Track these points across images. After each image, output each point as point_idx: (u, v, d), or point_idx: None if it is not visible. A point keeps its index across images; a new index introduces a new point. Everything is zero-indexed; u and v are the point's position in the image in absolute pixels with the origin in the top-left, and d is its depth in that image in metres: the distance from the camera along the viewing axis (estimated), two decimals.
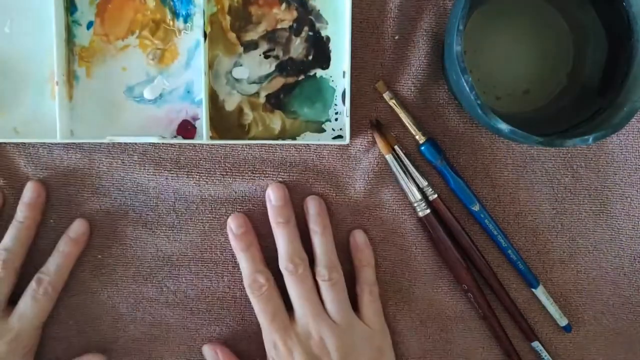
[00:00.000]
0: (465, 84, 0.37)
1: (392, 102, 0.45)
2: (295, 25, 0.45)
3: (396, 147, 0.45)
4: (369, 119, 0.46)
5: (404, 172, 0.45)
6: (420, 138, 0.45)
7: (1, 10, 0.44)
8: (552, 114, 0.44)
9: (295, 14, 0.45)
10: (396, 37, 0.45)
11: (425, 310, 0.47)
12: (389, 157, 0.45)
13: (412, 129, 0.45)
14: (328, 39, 0.45)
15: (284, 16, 0.45)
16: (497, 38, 0.44)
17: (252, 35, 0.45)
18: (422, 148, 0.45)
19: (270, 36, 0.45)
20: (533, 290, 0.46)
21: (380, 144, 0.45)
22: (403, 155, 0.45)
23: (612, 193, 0.47)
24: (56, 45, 0.43)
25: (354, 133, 0.45)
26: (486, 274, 0.46)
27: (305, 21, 0.45)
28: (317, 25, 0.45)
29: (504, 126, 0.37)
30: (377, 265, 0.46)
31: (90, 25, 0.45)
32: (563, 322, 0.47)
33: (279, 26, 0.45)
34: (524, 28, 0.45)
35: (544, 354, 0.46)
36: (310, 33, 0.45)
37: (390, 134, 0.45)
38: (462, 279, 0.45)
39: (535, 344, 0.46)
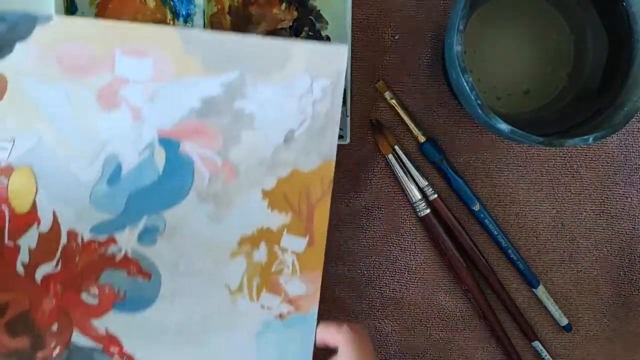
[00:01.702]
0: (465, 84, 0.37)
1: (393, 102, 0.45)
2: (295, 25, 0.45)
3: (396, 147, 0.45)
4: (369, 119, 0.46)
5: (404, 172, 0.45)
6: (420, 138, 0.45)
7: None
8: (553, 114, 0.44)
9: (295, 14, 0.45)
10: (396, 37, 0.45)
11: (425, 310, 0.47)
12: (390, 157, 0.45)
13: (413, 129, 0.45)
14: (328, 39, 0.45)
15: (284, 16, 0.45)
16: (497, 38, 0.44)
17: None
18: (423, 148, 0.45)
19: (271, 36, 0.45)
20: (533, 290, 0.46)
21: (381, 144, 0.45)
22: (403, 155, 0.45)
23: (612, 193, 0.47)
24: None
25: (354, 133, 0.45)
26: (486, 274, 0.46)
27: (305, 21, 0.45)
28: (317, 25, 0.45)
29: (504, 126, 0.37)
30: (376, 265, 0.46)
31: None
32: (563, 322, 0.47)
33: (279, 26, 0.45)
34: (523, 28, 0.45)
35: (544, 353, 0.46)
36: (311, 33, 0.45)
37: (390, 134, 0.45)
38: (462, 279, 0.45)
39: (536, 344, 0.46)
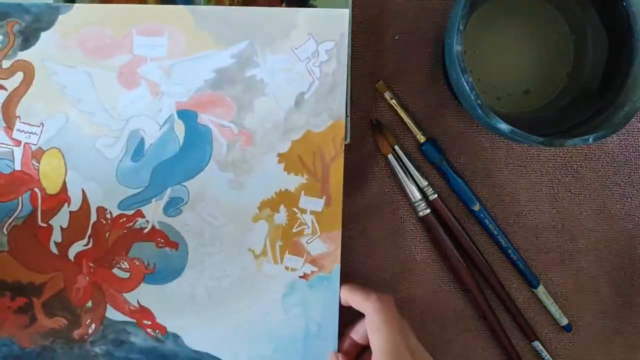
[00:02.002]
0: (465, 84, 0.37)
1: (393, 102, 0.45)
2: None
3: (396, 147, 0.45)
4: (369, 119, 0.46)
5: (404, 172, 0.45)
6: (420, 138, 0.45)
7: None
8: (553, 114, 0.44)
9: None
10: (396, 37, 0.45)
11: (425, 310, 0.47)
12: (390, 157, 0.45)
13: (413, 129, 0.45)
14: None
15: None
16: (497, 38, 0.44)
17: None
18: (423, 148, 0.45)
19: None
20: (533, 290, 0.46)
21: (381, 144, 0.45)
22: (403, 155, 0.45)
23: (612, 193, 0.47)
24: None
25: (354, 133, 0.45)
26: (486, 274, 0.46)
27: None
28: None
29: (504, 126, 0.37)
30: (376, 265, 0.46)
31: None
32: (563, 322, 0.47)
33: None
34: (524, 28, 0.45)
35: (544, 353, 0.46)
36: None
37: (390, 134, 0.45)
38: (462, 278, 0.45)
39: (536, 344, 0.46)
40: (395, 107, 0.45)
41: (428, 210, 0.45)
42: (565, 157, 0.47)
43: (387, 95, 0.45)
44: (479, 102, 0.37)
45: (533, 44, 0.45)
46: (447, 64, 0.41)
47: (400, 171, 0.45)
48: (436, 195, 0.45)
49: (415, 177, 0.45)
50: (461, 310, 0.47)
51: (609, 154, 0.47)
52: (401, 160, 0.45)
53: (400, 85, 0.46)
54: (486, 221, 0.46)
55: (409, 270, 0.46)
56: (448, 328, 0.47)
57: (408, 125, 0.45)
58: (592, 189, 0.47)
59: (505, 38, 0.45)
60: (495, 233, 0.46)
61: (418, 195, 0.45)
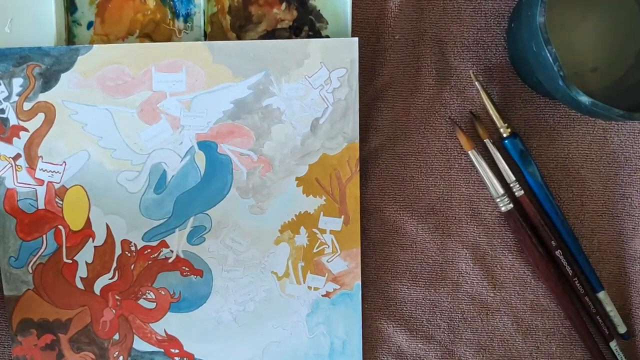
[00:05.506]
0: (548, 55, 0.36)
1: (483, 95, 0.44)
2: (295, 25, 0.45)
3: (487, 140, 0.45)
4: (448, 117, 0.46)
5: (488, 167, 0.44)
6: (504, 131, 0.45)
7: (1, 10, 0.44)
8: (620, 93, 0.43)
9: (295, 13, 0.45)
10: (396, 37, 0.45)
11: (426, 311, 0.46)
12: (472, 153, 0.44)
13: (498, 121, 0.44)
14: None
15: (284, 16, 0.45)
16: (563, 16, 0.44)
17: (252, 35, 0.45)
18: (506, 142, 0.44)
19: (270, 36, 0.45)
20: (596, 295, 0.46)
21: (462, 139, 0.45)
22: (494, 149, 0.45)
23: (613, 194, 0.46)
24: (56, 45, 0.43)
25: None
26: (566, 273, 0.45)
27: (305, 21, 0.45)
28: (317, 25, 0.45)
29: (585, 98, 0.36)
30: (377, 266, 0.46)
31: (90, 25, 0.45)
32: (621, 329, 0.46)
33: (279, 26, 0.45)
34: (590, 5, 0.44)
35: (620, 356, 0.45)
36: (311, 33, 0.45)
37: (482, 126, 0.45)
38: (545, 277, 0.45)
39: (613, 345, 0.45)
40: (484, 99, 0.45)
41: (511, 206, 0.44)
42: (566, 158, 0.46)
43: (478, 84, 0.45)
44: (561, 73, 0.36)
45: (601, 22, 0.44)
46: (523, 37, 0.40)
47: (485, 166, 0.44)
48: (522, 192, 0.45)
49: (503, 171, 0.45)
50: (463, 312, 0.46)
51: (610, 154, 0.46)
52: (487, 155, 0.45)
53: (400, 86, 0.46)
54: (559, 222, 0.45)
55: (409, 270, 0.46)
56: (450, 329, 0.46)
57: (493, 117, 0.45)
58: (592, 190, 0.46)
59: (571, 16, 0.44)
60: (566, 234, 0.45)
61: (501, 190, 0.44)
